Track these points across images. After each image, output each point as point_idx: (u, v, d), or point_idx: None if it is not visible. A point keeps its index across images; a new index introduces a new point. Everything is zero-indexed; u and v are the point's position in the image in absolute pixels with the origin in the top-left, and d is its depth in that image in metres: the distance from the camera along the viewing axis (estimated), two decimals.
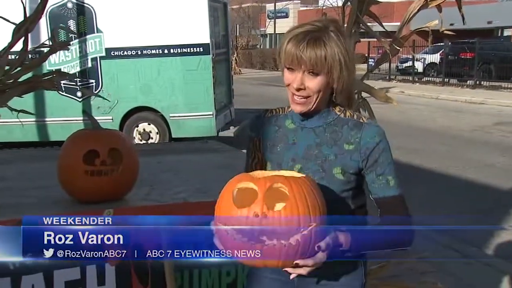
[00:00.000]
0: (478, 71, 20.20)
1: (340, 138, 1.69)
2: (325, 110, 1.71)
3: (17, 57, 2.54)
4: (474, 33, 21.65)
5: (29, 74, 2.61)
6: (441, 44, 21.44)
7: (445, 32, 2.67)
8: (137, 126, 8.66)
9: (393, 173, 1.68)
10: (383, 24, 3.02)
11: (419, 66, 23.38)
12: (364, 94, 2.83)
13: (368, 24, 2.83)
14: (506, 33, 33.81)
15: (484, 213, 5.80)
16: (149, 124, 8.67)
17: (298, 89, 1.63)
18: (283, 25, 45.52)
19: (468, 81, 20.57)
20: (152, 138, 8.66)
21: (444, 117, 13.32)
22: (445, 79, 21.35)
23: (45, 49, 2.69)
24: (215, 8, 9.04)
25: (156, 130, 8.67)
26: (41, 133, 8.52)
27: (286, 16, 46.24)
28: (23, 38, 2.51)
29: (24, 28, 2.49)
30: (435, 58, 23.25)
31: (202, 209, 2.52)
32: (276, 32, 41.01)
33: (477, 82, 20.03)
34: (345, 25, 2.74)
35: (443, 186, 6.99)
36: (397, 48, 2.63)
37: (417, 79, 22.80)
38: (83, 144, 2.39)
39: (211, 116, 8.49)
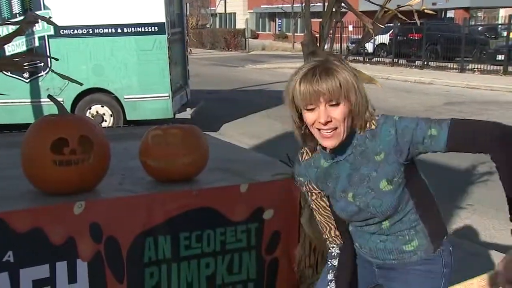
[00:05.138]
0: (425, 51, 20.69)
1: (370, 154, 1.74)
2: (347, 138, 1.74)
3: None
4: (419, 14, 22.01)
5: None
6: (391, 24, 21.75)
7: (426, 11, 2.66)
8: (90, 109, 8.33)
9: (423, 121, 1.69)
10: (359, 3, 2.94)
11: (369, 47, 23.68)
12: None
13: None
14: (449, 14, 34.72)
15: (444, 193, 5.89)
16: (102, 106, 8.35)
17: (326, 123, 1.64)
18: (234, 4, 45.09)
19: (417, 62, 21.05)
20: (106, 121, 8.34)
21: (396, 97, 13.53)
22: (395, 59, 21.75)
23: None
24: None
25: (110, 113, 8.36)
26: None
27: None
28: None
29: None
30: (385, 38, 23.60)
31: (179, 199, 2.39)
32: (227, 12, 40.56)
33: (425, 63, 20.54)
34: (326, 3, 2.63)
35: None
36: (381, 26, 2.55)
37: (367, 60, 23.11)
38: (51, 131, 2.18)
39: (167, 97, 8.25)
